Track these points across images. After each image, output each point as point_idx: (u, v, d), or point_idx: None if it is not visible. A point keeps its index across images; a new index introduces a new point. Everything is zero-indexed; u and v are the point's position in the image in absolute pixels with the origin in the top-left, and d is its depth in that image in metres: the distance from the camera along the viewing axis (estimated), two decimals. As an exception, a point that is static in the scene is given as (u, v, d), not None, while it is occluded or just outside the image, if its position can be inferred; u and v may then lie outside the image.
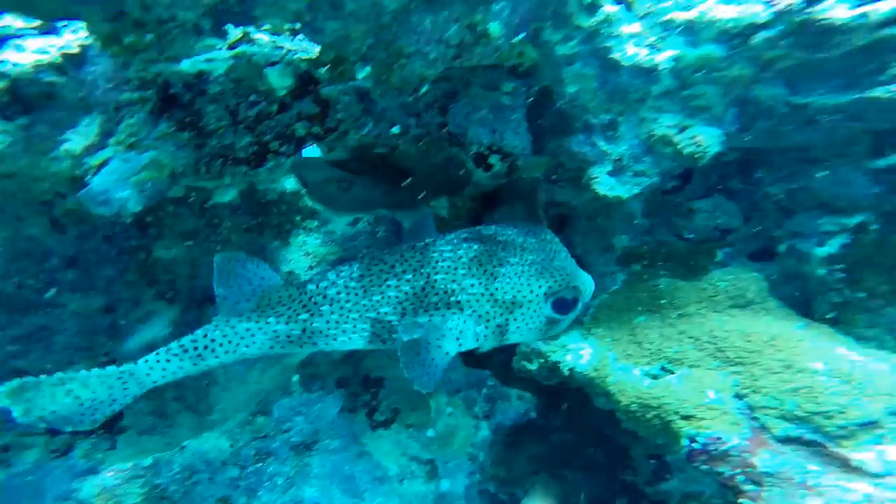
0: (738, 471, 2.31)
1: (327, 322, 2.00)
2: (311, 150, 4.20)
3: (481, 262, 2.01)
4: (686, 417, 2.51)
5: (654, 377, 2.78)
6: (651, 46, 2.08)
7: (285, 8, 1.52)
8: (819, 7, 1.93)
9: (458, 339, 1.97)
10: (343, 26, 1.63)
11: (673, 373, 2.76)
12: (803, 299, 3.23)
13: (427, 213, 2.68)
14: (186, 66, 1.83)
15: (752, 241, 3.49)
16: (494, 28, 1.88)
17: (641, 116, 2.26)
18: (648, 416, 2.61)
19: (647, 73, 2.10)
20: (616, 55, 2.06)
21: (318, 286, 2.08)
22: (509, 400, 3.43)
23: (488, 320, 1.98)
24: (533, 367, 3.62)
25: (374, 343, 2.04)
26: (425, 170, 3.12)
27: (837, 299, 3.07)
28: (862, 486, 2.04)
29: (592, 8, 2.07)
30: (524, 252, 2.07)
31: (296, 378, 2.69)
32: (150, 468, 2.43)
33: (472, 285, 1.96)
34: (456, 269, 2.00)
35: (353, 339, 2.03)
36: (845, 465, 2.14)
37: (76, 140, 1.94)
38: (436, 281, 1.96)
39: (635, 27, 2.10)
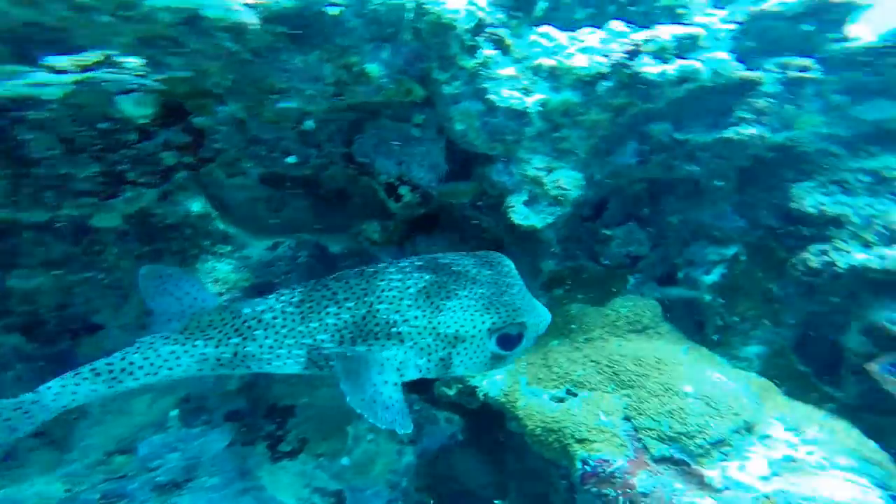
0: (620, 492, 2.38)
1: (260, 347, 1.92)
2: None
3: (429, 294, 1.95)
4: (580, 441, 2.58)
5: (560, 400, 2.83)
6: (524, 90, 2.12)
7: (110, 42, 1.39)
8: (636, 62, 2.08)
9: (398, 369, 1.90)
10: (190, 62, 1.51)
11: (576, 395, 2.83)
12: (699, 323, 3.43)
13: None
14: None
15: (658, 266, 3.66)
16: (373, 69, 1.84)
17: (518, 157, 2.29)
18: (550, 439, 2.66)
19: (520, 116, 2.12)
20: (493, 97, 2.08)
21: (254, 310, 1.98)
22: (437, 423, 3.35)
23: (430, 353, 1.92)
24: (451, 392, 3.60)
25: (310, 369, 1.96)
26: (359, 192, 3.05)
27: (720, 323, 3.29)
28: (707, 502, 2.15)
29: (472, 50, 2.09)
30: (474, 285, 2.00)
31: (174, 413, 2.45)
32: None
33: (416, 317, 1.90)
34: (401, 299, 1.93)
35: (287, 364, 1.95)
36: (700, 482, 2.27)
37: None
38: (378, 311, 1.88)
39: (510, 70, 2.14)
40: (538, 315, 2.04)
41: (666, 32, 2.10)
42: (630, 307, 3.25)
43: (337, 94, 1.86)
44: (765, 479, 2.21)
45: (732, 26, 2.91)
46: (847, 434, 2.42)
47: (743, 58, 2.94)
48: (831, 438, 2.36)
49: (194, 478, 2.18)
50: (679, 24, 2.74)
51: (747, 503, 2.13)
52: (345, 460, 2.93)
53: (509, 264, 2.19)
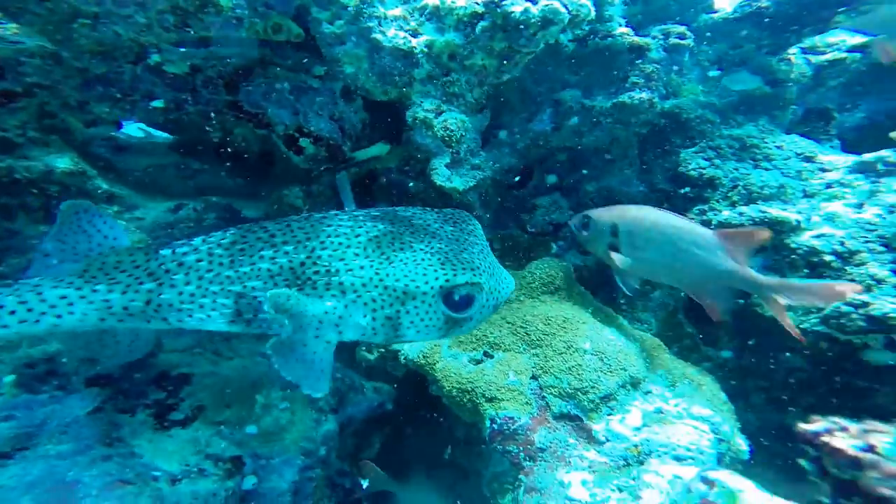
0: (521, 448, 2.40)
1: (180, 294, 1.62)
2: (131, 128, 3.57)
3: (380, 244, 1.70)
4: (490, 400, 2.56)
5: (477, 362, 2.81)
6: (412, 31, 1.98)
7: None
8: (504, 3, 2.00)
9: (337, 326, 1.64)
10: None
11: (492, 357, 2.80)
12: (611, 286, 3.53)
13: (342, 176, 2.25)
14: None
15: (581, 234, 3.78)
16: (225, -5, 1.60)
17: (412, 101, 2.15)
18: (464, 399, 2.63)
19: (407, 57, 1.97)
20: (378, 36, 1.90)
21: (174, 251, 1.68)
22: (363, 392, 3.20)
23: (375, 310, 1.64)
24: (372, 357, 3.53)
25: (236, 324, 1.68)
26: (278, 157, 2.78)
27: (626, 286, 3.38)
28: (591, 454, 2.21)
29: (355, -15, 1.91)
30: (433, 239, 1.77)
31: (9, 378, 2.10)
32: None
33: (362, 267, 1.64)
34: (348, 247, 1.68)
35: (211, 316, 1.65)
36: (589, 437, 2.32)
37: None
38: (320, 257, 1.62)
39: (398, 11, 1.98)
40: (499, 280, 1.84)
41: None
42: (545, 269, 3.27)
43: (182, 26, 1.61)
44: (637, 429, 2.31)
45: None
46: (708, 388, 2.56)
47: (633, 25, 3.00)
48: (694, 392, 2.49)
49: (35, 445, 1.88)
50: None
51: (621, 452, 2.21)
52: (251, 428, 2.71)
53: (475, 224, 1.99)
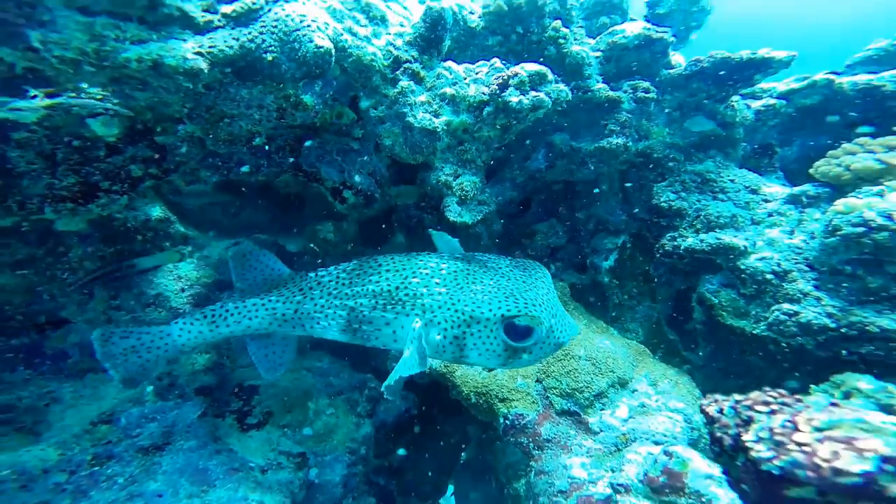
0: (531, 439, 2.81)
1: (315, 305, 2.08)
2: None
3: (457, 277, 1.99)
4: (502, 400, 2.99)
5: (490, 369, 3.21)
6: (434, 113, 2.58)
7: (91, 80, 1.71)
8: (505, 93, 2.58)
9: (417, 340, 1.90)
10: (153, 95, 1.86)
11: None
12: (604, 301, 4.01)
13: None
14: None
15: (574, 256, 4.23)
16: (308, 99, 2.23)
17: (435, 165, 2.75)
18: (480, 401, 3.06)
19: (432, 134, 2.59)
20: (411, 119, 2.52)
21: (317, 274, 2.21)
22: (393, 399, 3.68)
23: (445, 329, 1.88)
24: None
25: (346, 333, 2.07)
26: (311, 197, 3.36)
27: (616, 300, 3.87)
28: (588, 442, 2.66)
29: (393, 81, 2.53)
30: (502, 279, 2.00)
31: (150, 389, 2.71)
32: None
33: (440, 292, 1.92)
34: (432, 277, 1.99)
35: (331, 325, 2.07)
36: (586, 428, 2.75)
37: None
38: (410, 283, 1.95)
39: (423, 97, 2.60)
40: (561, 322, 1.93)
41: (523, 71, 2.61)
42: None
43: (280, 118, 2.24)
44: (624, 421, 2.73)
45: (598, 54, 3.53)
46: (685, 386, 2.99)
47: (608, 82, 3.55)
48: (673, 389, 2.92)
49: (173, 441, 2.45)
50: (561, 51, 3.31)
51: (612, 440, 2.64)
52: (307, 430, 3.20)
53: (544, 271, 2.17)
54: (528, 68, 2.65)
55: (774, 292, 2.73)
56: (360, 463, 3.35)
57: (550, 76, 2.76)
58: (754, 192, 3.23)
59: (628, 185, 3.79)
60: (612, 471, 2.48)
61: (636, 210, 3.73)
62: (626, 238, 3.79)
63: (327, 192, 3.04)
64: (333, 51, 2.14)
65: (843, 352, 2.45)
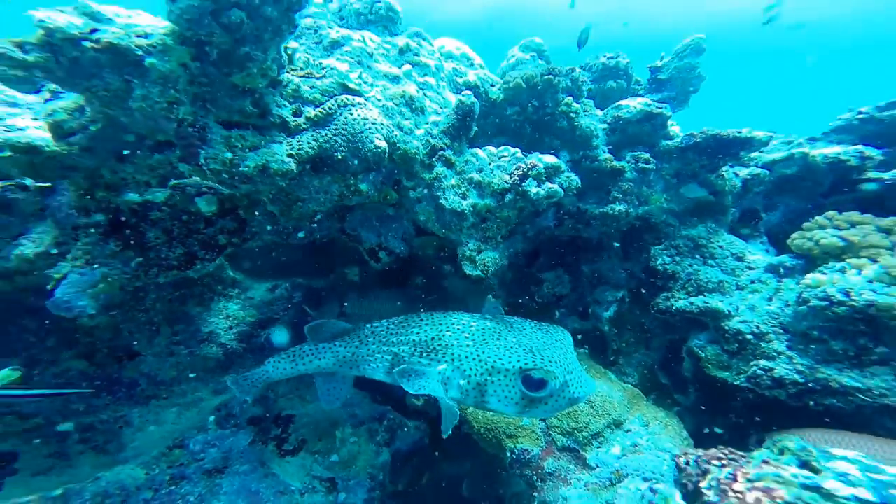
0: (534, 472, 3.15)
1: (368, 350, 2.52)
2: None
3: (485, 333, 2.28)
4: (510, 436, 3.35)
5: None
6: (462, 195, 3.09)
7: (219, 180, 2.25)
8: (525, 183, 3.08)
9: (444, 384, 2.20)
10: (253, 187, 2.37)
11: None
12: (603, 346, 4.42)
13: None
14: (134, 196, 2.41)
15: (577, 304, 4.65)
16: (364, 186, 2.74)
17: (461, 240, 3.24)
18: (490, 436, 3.41)
19: (460, 214, 3.09)
20: (443, 201, 3.03)
21: (372, 325, 2.65)
22: (407, 429, 3.99)
23: (469, 377, 2.14)
24: (419, 402, 4.34)
25: (389, 375, 2.45)
26: (341, 244, 3.84)
27: (615, 347, 4.29)
28: (584, 476, 3.03)
29: (430, 167, 3.05)
30: (524, 338, 2.24)
31: (212, 419, 3.17)
32: (58, 498, 2.61)
33: (468, 345, 2.21)
34: (463, 332, 2.30)
35: (378, 368, 2.49)
36: (584, 463, 3.12)
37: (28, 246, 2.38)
38: (444, 336, 2.29)
39: (454, 181, 3.11)
40: (579, 380, 2.11)
41: (541, 164, 3.13)
42: None
43: (339, 201, 2.76)
44: (617, 458, 3.08)
45: (605, 126, 4.03)
46: (673, 428, 3.37)
47: (613, 150, 4.03)
48: (662, 431, 3.30)
49: (230, 465, 2.89)
50: (572, 124, 3.77)
51: (607, 475, 2.98)
52: (335, 457, 3.58)
53: (566, 334, 2.41)
54: (545, 160, 3.17)
55: (753, 350, 3.16)
56: (379, 488, 3.70)
57: (563, 167, 3.27)
58: (740, 258, 3.69)
59: (628, 245, 4.24)
60: (606, 502, 2.79)
61: (635, 269, 4.18)
62: (625, 293, 4.22)
63: (364, 251, 3.52)
64: (387, 149, 2.66)
65: (811, 402, 2.86)
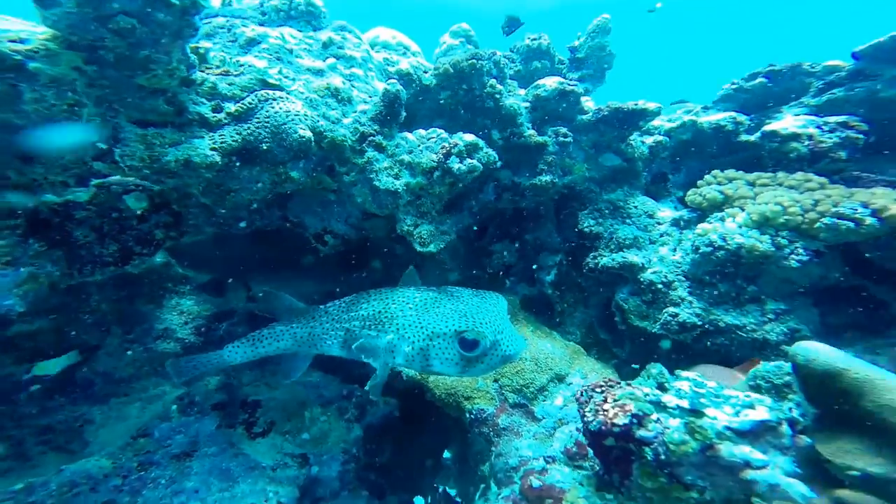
0: (490, 429, 3.40)
1: (322, 328, 2.67)
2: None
3: (426, 303, 2.45)
4: (467, 398, 3.61)
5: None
6: (395, 176, 3.32)
7: (143, 176, 2.35)
8: (449, 161, 3.32)
9: (392, 352, 2.37)
10: (180, 181, 2.51)
11: None
12: (550, 309, 4.76)
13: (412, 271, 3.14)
14: (51, 197, 2.49)
15: (526, 271, 4.97)
16: (295, 174, 2.92)
17: (398, 217, 3.47)
18: (450, 400, 3.67)
19: (394, 194, 3.32)
20: (377, 183, 3.25)
21: (325, 306, 2.78)
22: (377, 404, 4.18)
23: (413, 343, 2.32)
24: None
25: (343, 349, 2.62)
26: (289, 234, 3.97)
27: (559, 308, 4.63)
28: (533, 427, 3.31)
29: (361, 153, 3.25)
30: (460, 303, 2.43)
31: (174, 407, 3.30)
32: (21, 491, 2.67)
33: (410, 314, 2.39)
34: (407, 303, 2.46)
35: (333, 344, 2.60)
36: (532, 416, 3.41)
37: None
38: (389, 308, 2.47)
39: (386, 164, 3.33)
40: (509, 339, 2.29)
41: (461, 142, 3.36)
42: None
43: (273, 189, 2.92)
44: (559, 408, 3.38)
45: (527, 104, 4.32)
46: (607, 377, 3.72)
47: (537, 126, 4.31)
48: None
49: (199, 449, 3.05)
50: (498, 104, 4.04)
51: (551, 424, 3.26)
52: (305, 435, 3.74)
53: (499, 300, 2.56)
54: (465, 139, 3.42)
55: (664, 298, 3.55)
56: (353, 461, 3.90)
57: (481, 145, 3.53)
58: (651, 216, 4.08)
59: (560, 212, 4.58)
60: (550, 446, 3.07)
61: (568, 234, 4.53)
62: (562, 256, 4.55)
63: (310, 237, 3.69)
64: (313, 138, 2.84)
65: (708, 343, 3.28)
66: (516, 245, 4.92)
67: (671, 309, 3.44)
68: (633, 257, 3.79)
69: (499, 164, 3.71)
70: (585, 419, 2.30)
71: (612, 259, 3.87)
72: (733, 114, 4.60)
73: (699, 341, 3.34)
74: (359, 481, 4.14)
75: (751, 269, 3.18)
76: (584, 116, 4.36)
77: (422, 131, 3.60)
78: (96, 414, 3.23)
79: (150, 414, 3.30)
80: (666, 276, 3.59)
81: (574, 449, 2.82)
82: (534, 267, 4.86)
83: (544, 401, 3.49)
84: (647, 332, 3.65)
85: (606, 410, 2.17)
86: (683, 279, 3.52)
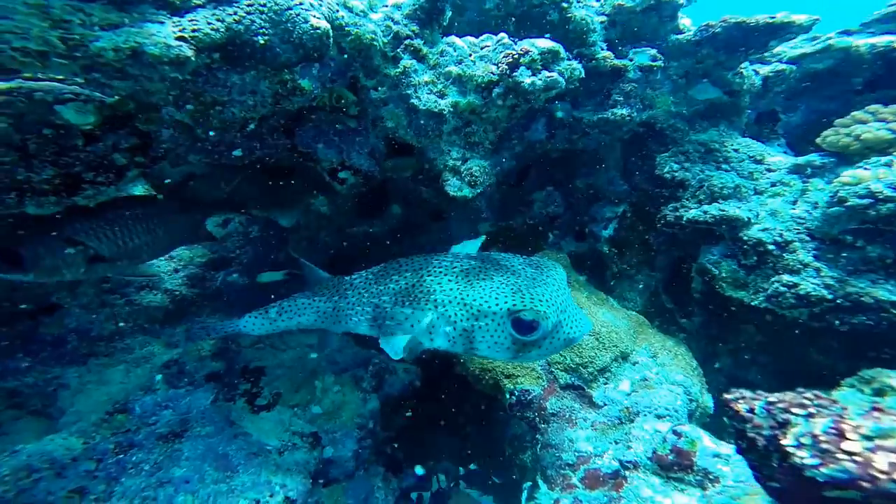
0: (536, 413, 2.90)
1: (349, 303, 2.32)
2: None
3: (468, 274, 2.09)
4: (508, 376, 3.07)
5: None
6: (439, 94, 2.46)
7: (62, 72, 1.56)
8: (517, 73, 2.49)
9: (430, 333, 2.05)
10: (134, 84, 1.72)
11: None
12: (601, 269, 4.07)
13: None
14: None
15: (573, 224, 4.25)
16: (305, 83, 2.09)
17: (441, 149, 2.66)
18: (486, 377, 3.13)
19: (438, 116, 2.48)
20: (415, 101, 2.41)
21: (351, 277, 2.44)
22: (396, 373, 3.78)
23: (455, 322, 2.00)
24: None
25: (373, 328, 2.24)
26: (302, 168, 3.26)
27: (615, 269, 3.95)
28: (591, 415, 2.77)
29: (395, 60, 2.38)
30: (512, 275, 2.06)
31: (159, 377, 2.76)
32: None
33: (451, 289, 2.04)
34: (444, 274, 2.11)
35: (361, 320, 2.28)
36: (590, 402, 2.86)
37: None
38: (425, 281, 2.10)
39: (427, 77, 2.46)
40: (573, 319, 1.98)
41: (534, 49, 2.50)
42: (551, 258, 3.74)
43: (276, 104, 2.11)
44: (626, 395, 2.83)
45: (603, 18, 3.36)
46: (682, 357, 3.09)
47: (612, 47, 3.42)
48: (672, 361, 3.02)
49: (190, 428, 2.54)
50: (564, 16, 3.13)
51: (615, 413, 2.74)
52: (316, 409, 3.31)
53: (558, 269, 2.21)
54: (539, 45, 2.52)
55: (775, 263, 2.81)
56: (370, 437, 3.46)
57: (563, 53, 2.62)
58: (758, 161, 3.24)
59: (630, 155, 3.74)
60: (616, 442, 2.59)
61: (638, 180, 3.72)
62: (627, 207, 3.80)
63: (324, 172, 2.94)
64: (331, 31, 1.98)
65: (836, 322, 2.59)
66: (562, 193, 4.18)
67: (786, 277, 2.71)
68: (735, 210, 3.00)
69: (582, 74, 2.83)
70: (794, 458, 1.55)
71: (704, 212, 3.09)
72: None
73: (820, 319, 2.65)
74: (376, 455, 3.75)
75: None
76: (678, 36, 3.39)
77: (472, 38, 2.70)
78: (72, 377, 2.71)
79: (135, 378, 2.78)
80: (781, 235, 2.82)
81: (671, 457, 2.23)
82: (584, 219, 4.13)
83: (606, 384, 2.93)
84: (743, 305, 2.96)
85: (861, 457, 1.40)
86: (808, 239, 2.75)
